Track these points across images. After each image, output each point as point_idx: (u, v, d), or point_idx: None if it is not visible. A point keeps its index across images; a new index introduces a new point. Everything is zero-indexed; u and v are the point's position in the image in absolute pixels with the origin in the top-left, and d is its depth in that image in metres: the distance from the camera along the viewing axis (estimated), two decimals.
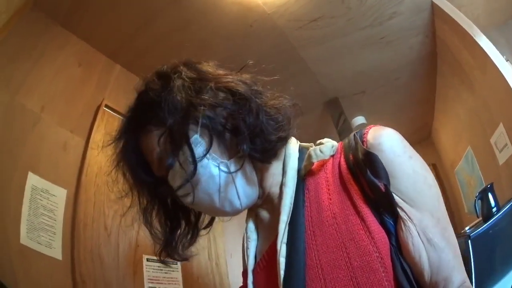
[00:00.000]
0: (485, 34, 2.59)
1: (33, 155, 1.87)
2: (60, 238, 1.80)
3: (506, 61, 2.43)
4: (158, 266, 2.21)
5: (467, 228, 2.51)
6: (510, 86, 2.33)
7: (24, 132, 1.87)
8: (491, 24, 3.02)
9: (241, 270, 1.15)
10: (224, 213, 1.02)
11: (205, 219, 1.19)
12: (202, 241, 2.55)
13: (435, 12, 2.83)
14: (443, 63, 3.31)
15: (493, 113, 2.65)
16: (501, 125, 2.54)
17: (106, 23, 2.47)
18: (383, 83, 3.67)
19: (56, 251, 1.76)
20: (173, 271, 2.31)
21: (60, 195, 1.92)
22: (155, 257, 1.84)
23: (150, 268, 2.17)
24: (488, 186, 2.45)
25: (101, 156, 2.17)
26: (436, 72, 3.52)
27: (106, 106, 2.42)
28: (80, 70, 2.39)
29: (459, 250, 0.86)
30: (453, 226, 0.88)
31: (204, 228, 1.19)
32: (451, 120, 3.76)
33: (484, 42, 2.52)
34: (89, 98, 2.38)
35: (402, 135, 0.93)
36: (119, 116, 2.48)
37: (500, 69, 2.39)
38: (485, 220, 2.32)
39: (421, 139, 4.77)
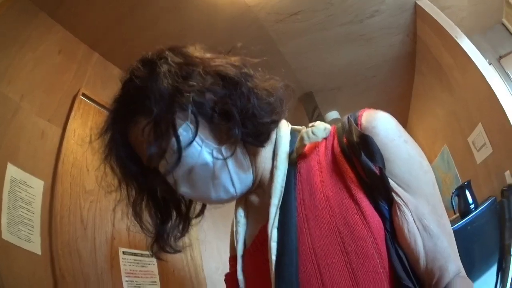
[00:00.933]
0: (469, 37, 2.67)
1: (12, 145, 1.81)
2: (38, 232, 1.74)
3: (489, 64, 2.51)
4: (134, 260, 2.18)
5: None
6: (491, 87, 2.42)
7: (4, 122, 1.81)
8: (476, 27, 3.08)
9: (215, 263, 1.15)
10: (219, 201, 0.99)
11: (196, 207, 1.16)
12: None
13: (418, 12, 2.88)
14: (422, 62, 3.37)
15: (472, 113, 2.72)
16: (480, 125, 2.61)
17: (92, 13, 2.43)
18: (359, 80, 3.75)
19: (35, 245, 1.71)
20: (149, 264, 2.28)
21: (37, 186, 1.86)
22: (130, 250, 1.79)
23: (127, 262, 2.13)
24: (466, 183, 2.55)
25: (77, 145, 2.14)
26: (414, 71, 3.61)
27: (83, 95, 2.37)
28: (59, 58, 2.34)
29: (454, 239, 0.85)
30: None
31: (196, 217, 1.16)
32: (427, 118, 3.85)
33: (466, 44, 2.59)
34: (67, 87, 2.32)
35: None
36: (96, 105, 2.45)
37: (481, 70, 2.47)
38: (463, 216, 2.39)
39: None
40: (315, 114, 3.71)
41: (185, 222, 1.12)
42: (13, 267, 1.54)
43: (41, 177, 1.90)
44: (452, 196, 2.59)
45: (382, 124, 0.88)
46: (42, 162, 1.95)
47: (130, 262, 2.15)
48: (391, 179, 0.83)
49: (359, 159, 0.85)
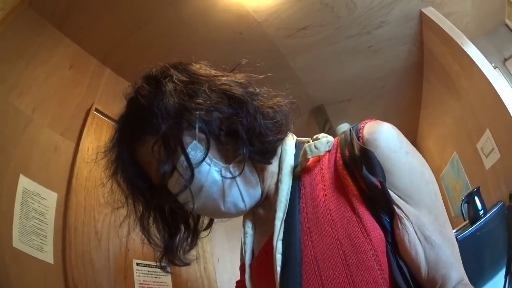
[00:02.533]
0: (474, 42, 2.62)
1: (25, 157, 1.80)
2: (51, 242, 1.73)
3: (495, 68, 2.47)
4: (148, 271, 2.15)
5: (454, 230, 2.32)
6: (497, 93, 2.37)
7: (16, 133, 1.79)
8: (480, 31, 3.03)
9: (228, 275, 1.13)
10: (229, 215, 1.00)
11: (205, 221, 1.16)
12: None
13: (423, 21, 2.84)
14: (430, 71, 3.30)
15: (480, 119, 2.67)
16: (487, 130, 2.55)
17: (99, 27, 2.41)
18: (368, 91, 3.66)
19: (47, 255, 1.69)
20: (163, 275, 2.23)
21: (51, 198, 1.84)
22: (145, 262, 1.77)
23: (140, 272, 2.10)
24: (475, 189, 2.47)
25: (91, 160, 2.08)
26: (422, 80, 3.52)
27: (96, 110, 2.35)
28: (71, 73, 2.32)
29: (457, 247, 0.84)
30: None
31: (204, 229, 1.16)
32: (437, 127, 3.75)
33: (472, 50, 2.54)
34: (79, 101, 2.31)
35: None
36: (109, 121, 2.42)
37: (487, 76, 2.42)
38: (472, 222, 2.33)
39: None
40: (327, 127, 3.65)
41: (194, 235, 1.12)
42: (24, 274, 1.52)
43: (54, 190, 1.88)
44: (462, 203, 2.53)
45: (383, 136, 0.87)
46: (55, 175, 1.93)
47: (144, 273, 2.12)
48: (392, 191, 0.83)
49: (361, 173, 0.85)
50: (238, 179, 0.94)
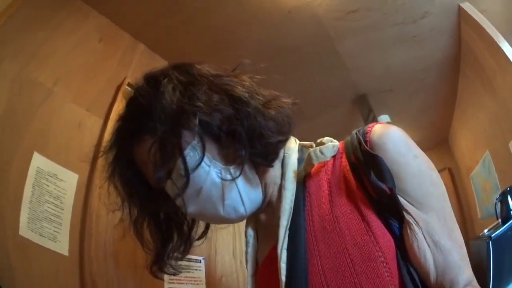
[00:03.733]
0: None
1: (41, 134, 1.54)
2: (67, 230, 1.48)
3: None
4: (181, 264, 1.83)
5: (485, 230, 2.49)
6: None
7: (32, 107, 1.54)
8: (509, 32, 2.80)
9: None
10: (229, 221, 0.94)
11: (199, 230, 1.10)
12: (227, 238, 2.35)
13: (462, 15, 2.72)
14: (466, 65, 3.18)
15: None
16: None
17: (131, 1, 2.18)
18: (410, 83, 3.49)
19: (61, 245, 1.44)
20: (196, 269, 2.01)
21: (70, 180, 1.57)
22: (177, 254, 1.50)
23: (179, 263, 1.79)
24: (508, 189, 2.41)
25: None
26: (458, 74, 3.39)
27: (129, 84, 2.04)
28: (101, 46, 2.04)
29: (465, 249, 0.80)
30: (465, 233, 0.77)
31: (198, 239, 1.10)
32: (470, 124, 3.64)
33: (507, 48, 2.45)
34: (110, 75, 2.02)
35: (422, 137, 0.94)
36: None
37: None
38: (504, 222, 2.29)
39: (439, 142, 4.59)
40: (370, 117, 3.44)
41: (186, 244, 1.06)
42: (31, 268, 1.31)
43: (75, 170, 1.62)
44: (496, 202, 2.43)
45: (391, 140, 0.82)
46: (77, 154, 1.66)
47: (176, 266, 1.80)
48: (401, 196, 0.79)
49: (369, 178, 0.81)
50: (238, 181, 0.89)
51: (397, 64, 3.16)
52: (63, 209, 1.47)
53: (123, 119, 0.94)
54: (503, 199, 2.34)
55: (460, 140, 4.09)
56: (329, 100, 3.43)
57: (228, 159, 0.89)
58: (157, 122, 0.82)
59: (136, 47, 2.33)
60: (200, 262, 2.03)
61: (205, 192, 0.86)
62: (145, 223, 0.99)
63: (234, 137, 0.87)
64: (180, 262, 1.04)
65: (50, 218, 1.40)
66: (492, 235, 2.04)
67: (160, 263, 1.00)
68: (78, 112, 1.74)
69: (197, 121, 0.84)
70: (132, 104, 0.92)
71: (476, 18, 2.58)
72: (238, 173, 0.88)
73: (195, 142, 0.85)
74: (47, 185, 1.44)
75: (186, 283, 1.89)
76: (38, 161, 1.44)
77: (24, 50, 1.58)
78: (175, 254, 1.03)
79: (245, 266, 1.02)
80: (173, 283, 1.80)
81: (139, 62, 2.28)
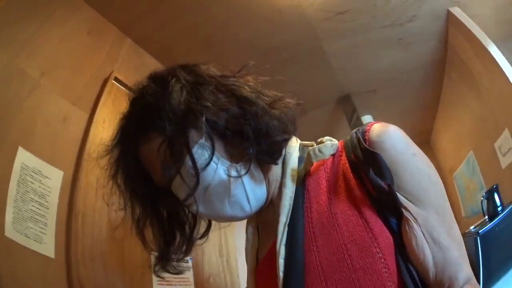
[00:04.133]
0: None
1: (27, 127, 1.44)
2: (53, 231, 1.38)
3: None
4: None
5: (471, 227, 2.46)
6: None
7: (18, 99, 1.45)
8: (498, 36, 2.86)
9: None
10: (234, 219, 0.94)
11: (200, 229, 1.09)
12: (213, 238, 2.28)
13: (450, 20, 2.79)
14: (452, 68, 3.24)
15: (499, 119, 2.63)
16: (506, 130, 2.53)
17: None
18: (394, 84, 3.54)
19: (47, 246, 1.34)
20: (184, 270, 1.94)
21: (55, 177, 1.47)
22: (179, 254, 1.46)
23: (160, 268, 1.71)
24: (494, 186, 2.44)
25: (107, 134, 1.73)
26: (443, 77, 3.45)
27: (115, 79, 1.99)
28: (89, 39, 1.97)
29: (464, 247, 0.81)
30: None
31: (200, 238, 1.09)
32: (454, 125, 3.72)
33: (496, 52, 2.52)
34: (96, 68, 1.94)
35: None
36: (128, 92, 2.00)
37: (509, 77, 2.40)
38: (491, 218, 2.32)
39: (421, 143, 4.59)
40: (354, 117, 3.48)
41: (189, 244, 1.05)
42: (17, 270, 1.22)
43: (60, 167, 1.52)
44: (482, 199, 2.48)
45: (390, 139, 0.83)
46: (63, 149, 1.57)
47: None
48: (400, 193, 0.79)
49: (368, 176, 0.82)
50: (245, 179, 0.89)
51: (382, 65, 3.21)
52: (48, 208, 1.38)
53: (128, 117, 0.93)
54: (489, 197, 2.38)
55: (442, 141, 4.16)
56: (314, 99, 3.43)
57: (235, 157, 0.90)
58: (165, 121, 0.82)
59: (123, 41, 2.26)
60: (188, 262, 1.99)
61: (212, 189, 0.87)
62: (147, 223, 0.98)
63: (240, 135, 0.87)
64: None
65: (35, 218, 1.31)
66: (480, 231, 2.07)
67: (163, 263, 1.00)
68: (64, 105, 1.64)
69: (204, 120, 0.84)
70: (137, 103, 0.92)
71: (465, 23, 2.64)
72: (245, 170, 0.88)
73: (203, 140, 0.85)
74: (32, 183, 1.34)
75: (175, 284, 1.83)
76: (23, 156, 1.35)
77: (14, 41, 1.50)
78: (178, 254, 1.02)
79: (232, 265, 0.99)
80: (162, 284, 1.74)
81: (126, 57, 2.21)
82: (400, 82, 3.47)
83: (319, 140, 0.98)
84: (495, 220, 2.17)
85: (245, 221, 1.04)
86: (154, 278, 1.71)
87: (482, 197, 2.46)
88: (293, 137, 1.00)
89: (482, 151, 3.04)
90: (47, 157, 1.46)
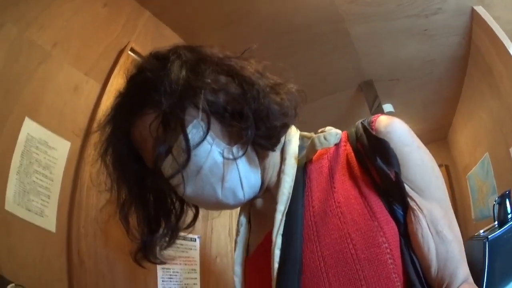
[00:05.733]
0: None
1: (35, 97, 1.40)
2: (55, 204, 1.34)
3: None
4: (175, 244, 1.74)
5: (481, 231, 2.49)
6: None
7: (28, 70, 1.40)
8: None
9: None
10: (225, 206, 0.89)
11: (187, 219, 1.06)
12: (223, 217, 2.22)
13: (474, 18, 2.76)
14: (474, 66, 3.21)
15: None
16: None
17: None
18: (417, 75, 3.48)
19: (48, 220, 1.30)
20: (191, 249, 1.91)
21: (61, 148, 1.43)
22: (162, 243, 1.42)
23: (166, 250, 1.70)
24: (507, 192, 2.40)
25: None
26: (464, 74, 3.41)
27: (132, 49, 1.93)
28: (105, 11, 1.90)
29: (463, 245, 0.78)
30: None
31: (185, 228, 1.06)
32: (472, 123, 3.65)
33: None
34: (112, 39, 1.87)
35: (422, 131, 0.92)
36: None
37: None
38: (501, 225, 2.28)
39: (439, 138, 4.64)
40: (376, 104, 3.40)
41: (173, 233, 1.02)
42: (16, 246, 1.19)
43: (67, 138, 1.48)
44: (494, 204, 2.44)
45: (396, 130, 0.82)
46: (71, 120, 1.53)
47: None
48: (406, 183, 0.78)
49: (374, 164, 0.80)
50: (240, 162, 0.86)
51: (406, 54, 3.14)
52: (52, 180, 1.34)
53: (124, 94, 0.91)
54: (501, 202, 2.35)
55: (459, 138, 4.11)
56: (336, 82, 3.38)
57: (231, 139, 0.87)
58: (162, 95, 0.80)
59: (141, 14, 2.19)
60: (195, 241, 1.94)
61: (204, 172, 0.83)
62: (132, 208, 0.94)
63: (239, 117, 0.85)
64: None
65: (38, 190, 1.27)
66: (489, 236, 2.05)
67: (145, 251, 0.96)
68: (75, 75, 1.60)
69: (202, 98, 0.82)
70: (134, 79, 0.90)
71: (488, 22, 2.60)
72: (241, 153, 0.85)
73: (199, 119, 0.82)
74: (37, 154, 1.31)
75: (180, 264, 1.79)
76: (29, 127, 1.31)
77: (28, 13, 1.46)
78: (161, 243, 0.99)
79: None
80: (165, 264, 1.68)
81: (143, 29, 2.15)
82: (422, 73, 3.43)
83: (319, 130, 0.95)
84: (505, 227, 2.15)
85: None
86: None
87: (495, 201, 2.44)
88: (293, 126, 0.98)
89: (497, 154, 3.00)
90: (54, 127, 1.42)
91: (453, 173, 4.30)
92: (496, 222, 2.37)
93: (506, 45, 2.49)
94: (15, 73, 1.35)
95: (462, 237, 0.82)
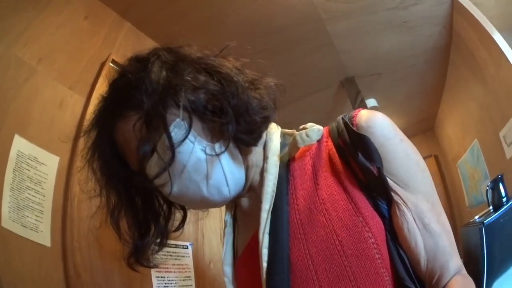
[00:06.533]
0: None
1: (23, 114, 1.42)
2: (48, 219, 1.36)
3: None
4: (167, 252, 1.81)
5: (476, 217, 2.54)
6: None
7: (15, 87, 1.43)
8: (502, 27, 2.82)
9: None
10: (212, 203, 0.91)
11: (175, 222, 1.08)
12: (214, 222, 2.25)
13: (455, 6, 2.77)
14: (457, 55, 3.23)
15: (505, 108, 2.60)
16: (511, 120, 2.49)
17: None
18: (399, 68, 3.50)
19: (43, 235, 1.32)
20: (184, 256, 1.92)
21: (51, 163, 1.44)
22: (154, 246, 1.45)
23: (158, 254, 1.69)
24: (499, 176, 2.44)
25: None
26: (447, 63, 3.43)
27: (113, 61, 1.94)
28: (86, 24, 1.92)
29: (453, 237, 0.80)
30: (453, 220, 0.80)
31: (175, 230, 1.08)
32: (459, 112, 3.68)
33: (500, 40, 2.50)
34: (94, 52, 1.89)
35: (408, 124, 1.02)
36: None
37: None
38: (496, 209, 2.32)
39: (426, 129, 4.67)
40: (358, 100, 3.44)
41: (163, 236, 1.03)
42: (14, 260, 1.20)
43: (56, 152, 1.49)
44: (487, 189, 2.47)
45: (378, 124, 0.83)
46: (58, 135, 1.54)
47: (162, 254, 1.73)
48: (389, 178, 0.79)
49: (356, 160, 0.81)
50: (223, 159, 0.87)
51: (387, 48, 3.17)
52: (44, 196, 1.36)
53: (106, 99, 0.92)
54: (494, 187, 2.37)
55: (447, 128, 4.14)
56: (318, 81, 3.40)
57: (213, 136, 0.88)
58: (144, 95, 0.81)
59: (122, 25, 2.21)
60: (187, 248, 1.95)
61: (188, 169, 0.84)
62: (122, 212, 0.95)
63: (220, 114, 0.86)
64: (167, 249, 1.04)
65: (32, 206, 1.29)
66: (485, 221, 2.07)
67: (137, 255, 0.98)
68: (60, 90, 1.62)
69: (183, 97, 0.83)
70: (116, 83, 0.91)
71: (470, 10, 2.61)
72: (223, 148, 0.87)
73: (181, 117, 0.83)
74: (28, 170, 1.32)
75: (174, 271, 1.80)
76: (19, 144, 1.32)
77: (13, 29, 1.48)
78: (152, 246, 1.01)
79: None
80: (160, 271, 1.71)
81: (124, 40, 2.17)
82: (404, 66, 3.44)
83: (301, 127, 0.96)
84: (500, 211, 2.16)
85: None
86: None
87: (487, 186, 2.46)
88: (274, 123, 0.99)
89: (486, 140, 3.01)
90: (43, 143, 1.44)
91: (443, 163, 4.34)
92: (490, 207, 2.41)
93: (489, 31, 2.51)
94: (2, 90, 1.37)
95: (458, 225, 0.86)
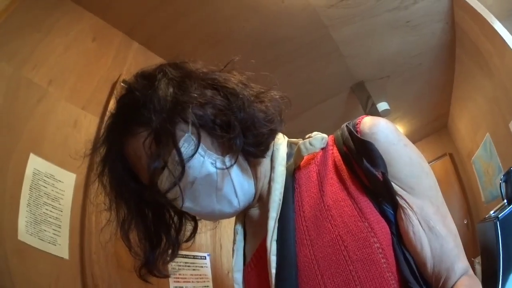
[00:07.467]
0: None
1: (37, 134, 1.48)
2: (67, 232, 1.42)
3: None
4: (185, 263, 1.85)
5: (491, 212, 2.48)
6: None
7: (27, 108, 1.49)
8: (501, 15, 2.77)
9: None
10: (222, 214, 0.92)
11: (186, 233, 1.09)
12: (231, 232, 2.19)
13: (454, 0, 2.72)
14: (462, 50, 3.19)
15: None
16: None
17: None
18: (406, 69, 3.48)
19: (61, 248, 1.37)
20: (202, 266, 1.94)
21: (67, 180, 1.51)
22: (180, 252, 1.49)
23: (176, 265, 1.80)
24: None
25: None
26: (454, 59, 3.39)
27: (124, 81, 1.97)
28: (94, 45, 1.98)
29: (459, 238, 0.81)
30: (470, 217, 0.80)
31: (186, 241, 1.09)
32: (469, 107, 3.63)
33: (502, 30, 2.46)
34: (104, 73, 1.95)
35: (421, 124, 1.01)
36: None
37: None
38: (510, 202, 2.30)
39: (439, 128, 4.62)
40: (369, 104, 3.43)
41: (174, 247, 1.03)
42: (30, 273, 1.25)
43: (72, 170, 1.55)
44: (500, 182, 2.44)
45: (381, 130, 0.84)
46: (74, 153, 1.55)
47: (180, 265, 1.83)
48: (394, 183, 0.80)
49: (361, 166, 0.82)
50: (232, 172, 0.88)
51: (393, 50, 3.16)
52: (61, 211, 1.41)
53: (114, 115, 0.93)
54: (507, 179, 2.34)
55: (459, 125, 4.08)
56: (328, 88, 3.39)
57: (222, 149, 0.89)
58: (152, 113, 0.82)
59: (130, 45, 2.27)
60: (205, 258, 1.98)
61: (199, 183, 0.85)
62: (132, 225, 0.96)
63: (227, 128, 0.87)
64: (185, 260, 1.04)
65: (49, 221, 1.34)
66: (499, 215, 2.06)
67: (149, 267, 0.98)
68: (73, 111, 1.68)
69: (191, 112, 0.84)
70: (124, 99, 0.92)
71: (469, 2, 2.58)
72: (233, 161, 0.87)
73: (189, 133, 0.84)
74: (45, 187, 1.38)
75: (192, 281, 1.83)
76: (35, 162, 1.38)
77: (20, 51, 1.53)
78: (164, 257, 1.01)
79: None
80: (178, 282, 1.74)
81: (133, 60, 2.23)
82: (412, 66, 3.42)
83: (307, 136, 0.97)
84: None
85: None
86: (172, 275, 1.71)
87: (500, 179, 2.42)
88: (281, 134, 1.00)
89: (497, 132, 2.97)
90: (59, 161, 1.49)
91: (458, 161, 4.27)
92: (505, 201, 2.36)
93: (490, 21, 2.49)
94: (15, 110, 1.42)
95: (475, 221, 0.86)
